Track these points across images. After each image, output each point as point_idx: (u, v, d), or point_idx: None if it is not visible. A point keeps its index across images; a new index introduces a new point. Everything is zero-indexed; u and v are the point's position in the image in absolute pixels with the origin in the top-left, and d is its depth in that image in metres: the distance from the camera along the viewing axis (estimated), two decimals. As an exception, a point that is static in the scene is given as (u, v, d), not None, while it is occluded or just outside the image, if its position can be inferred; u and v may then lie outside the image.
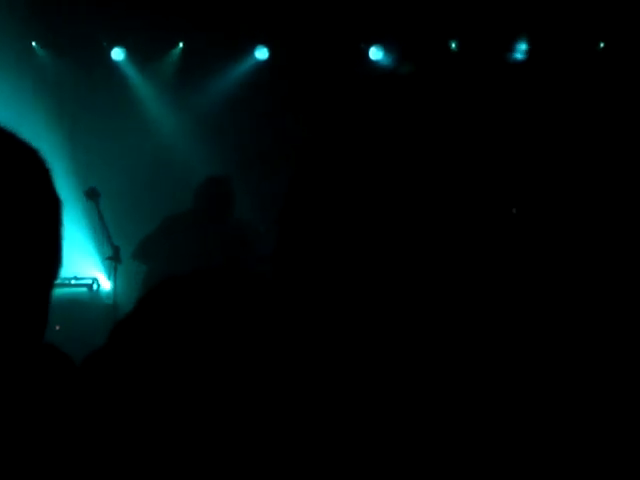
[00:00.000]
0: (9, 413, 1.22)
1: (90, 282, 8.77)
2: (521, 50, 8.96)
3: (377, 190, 0.69)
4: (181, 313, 1.33)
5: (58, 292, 8.59)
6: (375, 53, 9.62)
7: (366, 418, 0.64)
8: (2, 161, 1.31)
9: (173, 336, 1.30)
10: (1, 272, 1.27)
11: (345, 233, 0.69)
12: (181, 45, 9.96)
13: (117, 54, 9.89)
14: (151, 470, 1.14)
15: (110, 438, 1.18)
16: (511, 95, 7.62)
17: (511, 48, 8.67)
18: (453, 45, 8.70)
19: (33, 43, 9.74)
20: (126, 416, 1.21)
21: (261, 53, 9.96)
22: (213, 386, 1.15)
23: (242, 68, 10.02)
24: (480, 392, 0.63)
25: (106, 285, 8.57)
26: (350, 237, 0.69)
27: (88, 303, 8.51)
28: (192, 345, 1.27)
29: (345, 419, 0.66)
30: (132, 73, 10.04)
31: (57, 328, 7.82)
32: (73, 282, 8.82)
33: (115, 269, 7.77)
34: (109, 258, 7.80)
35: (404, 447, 0.63)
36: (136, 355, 1.30)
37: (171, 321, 1.33)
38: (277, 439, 0.69)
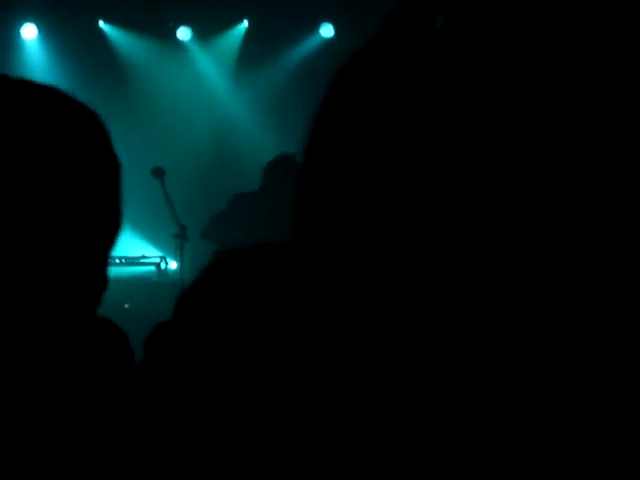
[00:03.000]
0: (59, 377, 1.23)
1: (158, 261, 8.86)
2: None
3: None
4: (244, 286, 1.33)
5: (127, 271, 8.70)
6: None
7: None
8: (62, 123, 1.32)
9: (234, 311, 1.30)
10: (61, 234, 1.28)
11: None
12: (245, 22, 9.98)
13: (183, 33, 9.93)
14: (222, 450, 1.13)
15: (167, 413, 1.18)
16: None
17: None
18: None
19: (100, 22, 9.81)
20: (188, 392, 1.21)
21: (326, 30, 9.94)
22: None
23: (307, 46, 10.01)
24: None
25: (173, 264, 8.64)
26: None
27: (156, 282, 8.60)
28: (252, 319, 1.27)
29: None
30: (197, 51, 10.09)
31: (126, 306, 7.92)
32: (141, 261, 8.92)
33: (182, 247, 7.83)
34: (176, 236, 7.86)
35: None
36: (198, 329, 1.30)
37: (233, 295, 1.32)
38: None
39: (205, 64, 10.16)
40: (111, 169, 1.37)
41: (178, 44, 9.99)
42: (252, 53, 9.96)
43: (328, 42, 9.92)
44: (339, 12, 9.67)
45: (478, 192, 0.61)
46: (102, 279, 1.36)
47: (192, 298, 1.41)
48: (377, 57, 0.72)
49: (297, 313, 0.73)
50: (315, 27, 9.95)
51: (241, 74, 10.09)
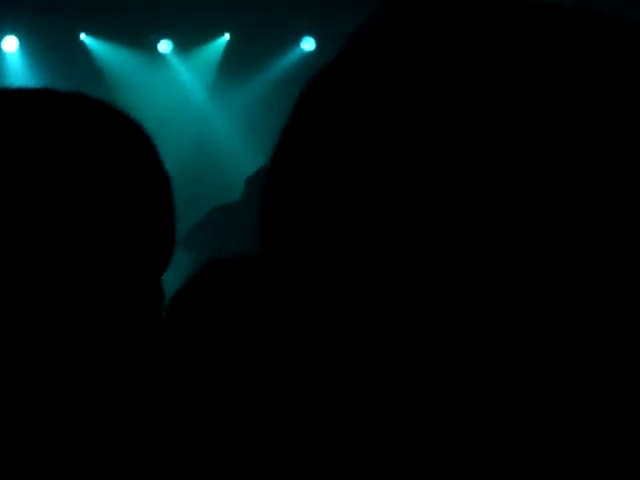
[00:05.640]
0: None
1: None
2: None
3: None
4: (226, 298, 1.32)
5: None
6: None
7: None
8: (113, 138, 1.27)
9: (216, 325, 1.29)
10: (114, 257, 1.24)
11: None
12: (227, 35, 9.97)
13: (164, 46, 9.92)
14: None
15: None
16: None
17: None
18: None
19: (82, 34, 9.79)
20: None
21: (307, 44, 9.94)
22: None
23: (288, 59, 10.01)
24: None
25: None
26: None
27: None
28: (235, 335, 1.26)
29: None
30: (178, 64, 10.07)
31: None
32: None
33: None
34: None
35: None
36: (183, 340, 1.29)
37: (215, 307, 1.32)
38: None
39: (186, 77, 10.14)
40: (162, 184, 1.32)
41: (159, 56, 9.98)
42: (233, 66, 9.95)
43: (309, 55, 9.92)
44: (320, 26, 9.68)
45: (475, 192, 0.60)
46: (159, 295, 1.32)
47: (180, 307, 1.41)
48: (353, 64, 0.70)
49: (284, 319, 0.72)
50: (296, 40, 9.94)
51: (222, 87, 10.08)
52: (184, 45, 9.96)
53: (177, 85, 10.11)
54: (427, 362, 0.58)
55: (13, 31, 9.51)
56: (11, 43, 9.58)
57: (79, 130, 1.26)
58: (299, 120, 0.72)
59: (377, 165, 0.63)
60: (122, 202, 1.24)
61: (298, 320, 0.64)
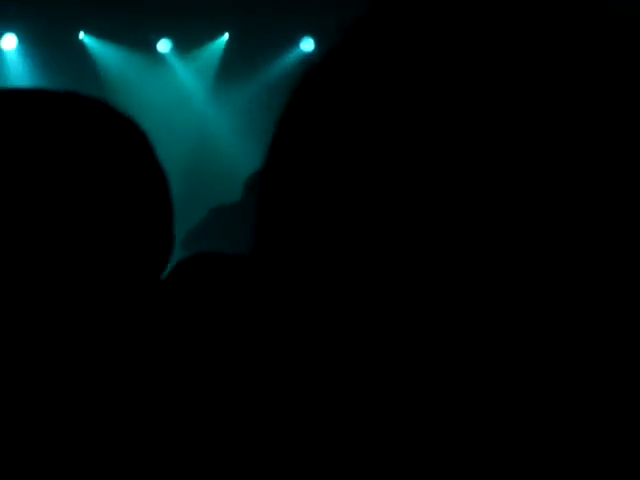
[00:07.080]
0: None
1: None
2: None
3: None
4: (205, 293, 1.32)
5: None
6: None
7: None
8: (107, 136, 1.28)
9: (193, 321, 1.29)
10: (111, 255, 1.24)
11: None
12: (226, 35, 9.97)
13: (163, 46, 9.92)
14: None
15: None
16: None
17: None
18: None
19: (81, 33, 9.79)
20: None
21: (307, 44, 9.95)
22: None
23: (288, 59, 10.01)
24: None
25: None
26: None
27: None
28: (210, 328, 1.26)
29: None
30: (178, 64, 10.08)
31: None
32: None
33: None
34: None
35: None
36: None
37: (192, 304, 1.32)
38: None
39: (185, 77, 10.14)
40: (160, 181, 1.33)
41: (158, 56, 9.98)
42: (233, 66, 9.96)
43: (308, 56, 9.93)
44: (319, 26, 9.68)
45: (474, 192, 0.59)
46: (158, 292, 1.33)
47: (165, 295, 1.41)
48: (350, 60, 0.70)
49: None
50: (295, 41, 9.96)
51: (221, 87, 10.09)
52: (183, 45, 9.96)
53: (176, 85, 10.11)
54: (419, 362, 0.58)
55: (12, 29, 9.51)
56: (10, 41, 9.58)
57: (74, 130, 1.26)
58: (292, 118, 0.72)
59: (371, 163, 0.62)
60: (118, 200, 1.25)
61: (288, 320, 0.64)
